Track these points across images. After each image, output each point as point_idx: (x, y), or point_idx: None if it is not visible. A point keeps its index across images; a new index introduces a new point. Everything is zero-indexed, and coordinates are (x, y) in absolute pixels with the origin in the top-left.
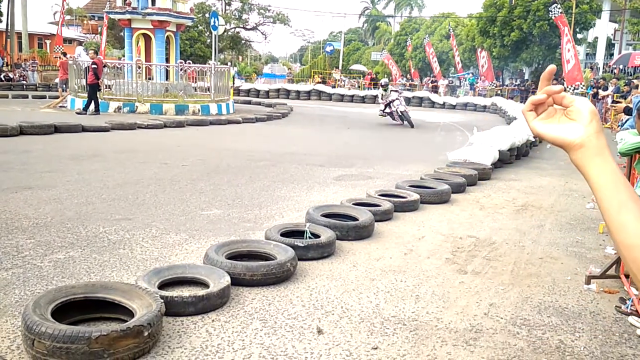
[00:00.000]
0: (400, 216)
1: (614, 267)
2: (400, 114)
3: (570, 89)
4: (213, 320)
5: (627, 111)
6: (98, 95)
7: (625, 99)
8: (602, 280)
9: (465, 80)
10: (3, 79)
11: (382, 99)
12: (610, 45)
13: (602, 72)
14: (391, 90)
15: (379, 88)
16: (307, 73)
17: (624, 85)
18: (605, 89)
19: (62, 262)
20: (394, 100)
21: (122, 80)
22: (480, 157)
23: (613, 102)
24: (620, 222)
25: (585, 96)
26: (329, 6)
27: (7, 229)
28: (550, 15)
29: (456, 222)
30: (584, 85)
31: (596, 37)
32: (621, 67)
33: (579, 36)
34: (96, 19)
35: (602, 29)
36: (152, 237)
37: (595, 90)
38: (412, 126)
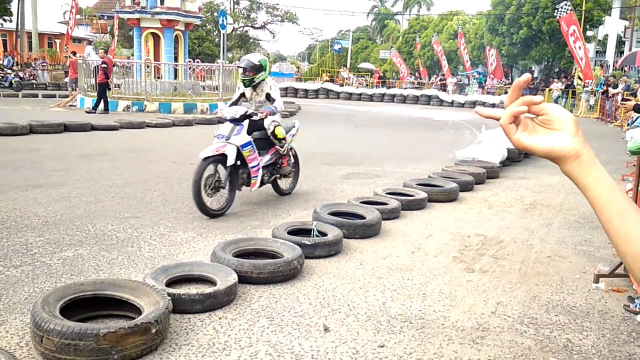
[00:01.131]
0: (408, 214)
1: (622, 265)
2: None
3: (582, 85)
4: (220, 318)
5: (637, 109)
6: (107, 94)
7: (635, 96)
8: (610, 278)
9: (474, 79)
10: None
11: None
12: (620, 42)
13: (612, 70)
14: (268, 94)
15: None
16: (315, 71)
17: (635, 83)
18: (615, 86)
19: (70, 260)
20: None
21: (131, 79)
22: (488, 156)
23: (623, 99)
24: (625, 232)
25: (595, 94)
26: (337, 4)
27: (17, 226)
28: (556, 15)
29: (464, 221)
30: (594, 83)
31: (606, 35)
32: (630, 66)
33: (589, 33)
34: (105, 18)
35: (613, 26)
36: (160, 235)
37: (605, 87)
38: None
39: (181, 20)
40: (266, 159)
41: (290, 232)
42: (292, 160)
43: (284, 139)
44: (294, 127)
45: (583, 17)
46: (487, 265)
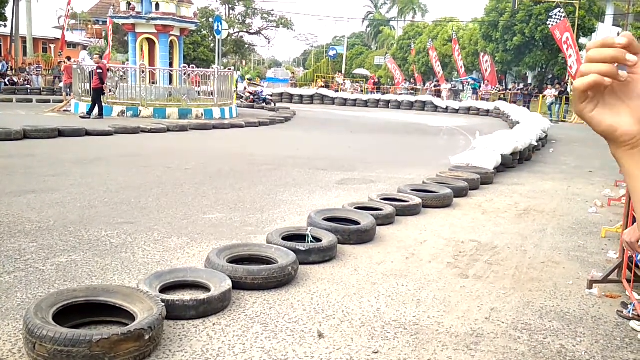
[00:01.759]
0: (402, 220)
1: (615, 271)
2: None
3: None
4: (214, 324)
5: None
6: (102, 100)
7: None
8: (604, 284)
9: (468, 85)
10: (7, 83)
11: None
12: None
13: None
14: None
15: None
16: (310, 77)
17: None
18: None
19: (64, 266)
20: None
21: (125, 84)
22: (482, 162)
23: None
24: None
25: None
26: (332, 11)
27: (10, 232)
28: (548, 23)
29: (458, 227)
30: None
31: None
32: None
33: (582, 41)
34: (100, 23)
35: (606, 33)
36: (154, 240)
37: None
38: None
39: (176, 25)
40: None
41: (284, 238)
42: None
43: None
44: None
45: (576, 24)
46: (481, 271)
